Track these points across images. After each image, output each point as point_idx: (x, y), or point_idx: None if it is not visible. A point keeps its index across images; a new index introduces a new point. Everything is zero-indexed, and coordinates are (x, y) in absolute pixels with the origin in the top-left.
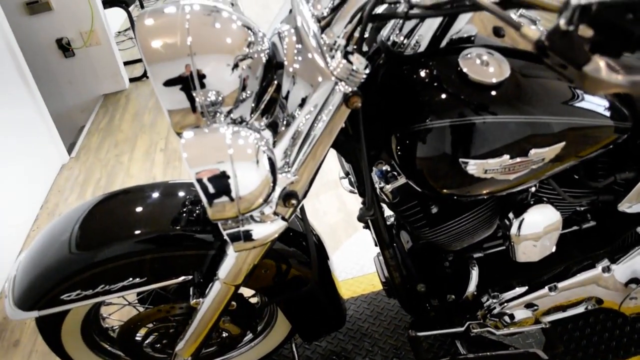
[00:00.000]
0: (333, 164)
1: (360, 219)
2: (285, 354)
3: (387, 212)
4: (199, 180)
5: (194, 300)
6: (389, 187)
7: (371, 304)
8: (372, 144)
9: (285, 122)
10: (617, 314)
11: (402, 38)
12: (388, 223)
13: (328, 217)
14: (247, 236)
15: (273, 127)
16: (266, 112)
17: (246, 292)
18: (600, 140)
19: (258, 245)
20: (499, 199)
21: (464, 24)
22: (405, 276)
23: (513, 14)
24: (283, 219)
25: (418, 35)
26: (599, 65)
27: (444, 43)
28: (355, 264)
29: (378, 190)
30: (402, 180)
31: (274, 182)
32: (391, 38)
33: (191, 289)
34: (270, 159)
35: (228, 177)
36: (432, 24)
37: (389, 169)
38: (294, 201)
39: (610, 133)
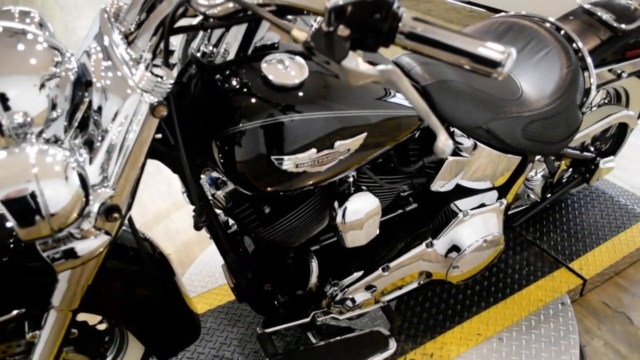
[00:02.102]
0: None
1: (195, 226)
2: None
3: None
4: (5, 202)
5: (30, 334)
6: (220, 193)
7: (228, 313)
8: (198, 152)
9: (100, 138)
10: (447, 283)
11: (211, 48)
12: (233, 229)
13: (181, 235)
14: (69, 254)
15: (89, 143)
16: (82, 130)
17: (93, 318)
18: (402, 128)
19: (81, 263)
20: (324, 193)
21: (265, 32)
22: (251, 278)
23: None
24: (107, 233)
25: (226, 44)
26: (356, 60)
27: (250, 50)
28: (211, 276)
29: (211, 197)
30: (231, 185)
31: (87, 196)
32: (201, 49)
33: (26, 323)
34: (80, 175)
35: (35, 195)
36: (237, 33)
37: (218, 176)
38: (116, 215)
39: (411, 121)
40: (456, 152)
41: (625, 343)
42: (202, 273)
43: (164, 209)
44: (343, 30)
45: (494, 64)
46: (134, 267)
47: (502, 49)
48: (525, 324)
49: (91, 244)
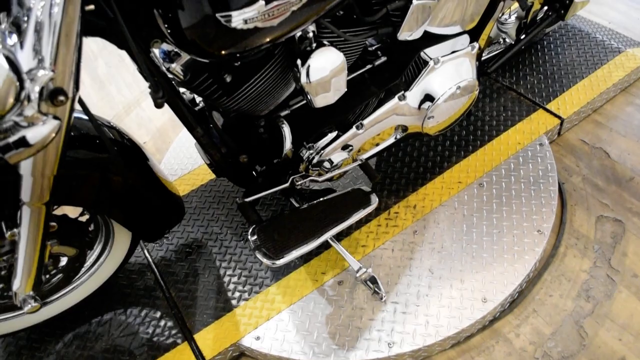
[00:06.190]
0: None
1: (155, 104)
2: (139, 261)
3: None
4: None
5: (9, 233)
6: (175, 66)
7: (212, 191)
8: (141, 23)
9: (26, 19)
10: (424, 136)
11: None
12: (201, 106)
13: (154, 122)
14: (20, 143)
15: (17, 26)
16: (8, 13)
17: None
18: None
19: (36, 151)
20: (285, 52)
21: None
22: (225, 152)
23: None
24: (55, 117)
25: None
26: None
27: None
28: (189, 158)
29: (166, 71)
30: (185, 55)
31: (20, 79)
32: None
33: (3, 223)
34: (7, 57)
35: None
36: None
37: (170, 48)
38: (62, 97)
39: None
40: None
41: (602, 177)
42: (180, 156)
43: (132, 98)
44: None
45: None
46: (103, 155)
47: None
48: (505, 167)
49: (41, 130)
